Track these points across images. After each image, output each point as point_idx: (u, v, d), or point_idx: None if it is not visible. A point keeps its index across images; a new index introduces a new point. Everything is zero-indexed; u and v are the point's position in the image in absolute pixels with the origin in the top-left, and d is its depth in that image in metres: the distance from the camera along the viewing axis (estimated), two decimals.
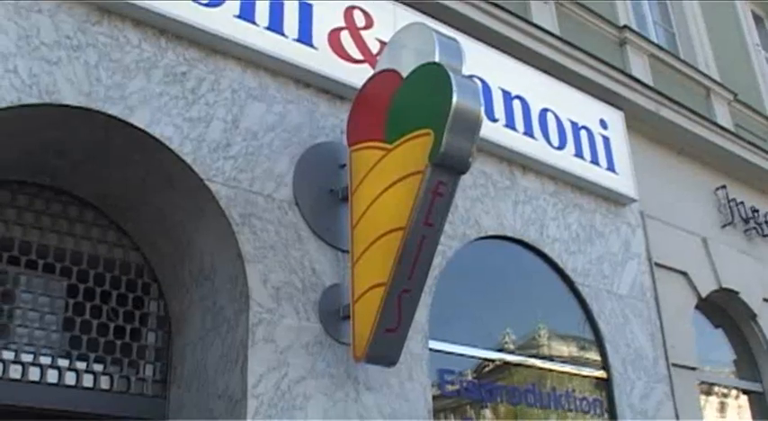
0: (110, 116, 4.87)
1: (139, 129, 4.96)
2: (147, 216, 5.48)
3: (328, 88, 5.92)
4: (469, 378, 6.59)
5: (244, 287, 5.01)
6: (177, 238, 5.47)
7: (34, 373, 5.00)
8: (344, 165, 5.57)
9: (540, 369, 7.02)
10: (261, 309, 4.97)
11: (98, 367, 5.22)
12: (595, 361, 7.30)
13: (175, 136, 5.06)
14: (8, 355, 4.94)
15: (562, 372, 7.10)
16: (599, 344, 7.32)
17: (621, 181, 8.04)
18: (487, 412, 6.75)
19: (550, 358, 7.11)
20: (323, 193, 5.54)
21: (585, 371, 7.21)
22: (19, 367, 4.96)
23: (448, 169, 4.72)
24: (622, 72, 8.68)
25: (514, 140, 7.08)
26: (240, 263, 5.04)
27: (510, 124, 7.08)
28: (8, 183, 5.26)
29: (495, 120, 6.91)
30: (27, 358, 5.00)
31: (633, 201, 8.15)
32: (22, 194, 5.31)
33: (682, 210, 9.07)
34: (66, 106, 4.75)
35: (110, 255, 5.49)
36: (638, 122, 8.77)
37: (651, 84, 9.24)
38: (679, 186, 9.27)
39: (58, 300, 5.32)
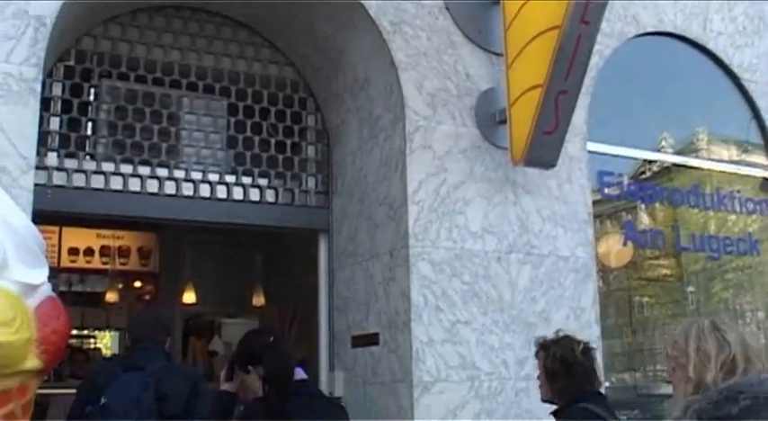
0: None
1: None
2: (297, 31, 5.49)
3: None
4: (629, 180, 6.48)
5: (399, 95, 5.01)
6: (329, 51, 5.47)
7: (204, 190, 5.24)
8: None
9: (703, 170, 6.83)
10: (417, 116, 4.98)
11: (263, 181, 5.42)
12: (761, 163, 7.02)
13: None
14: (179, 174, 5.19)
15: (727, 173, 6.88)
16: (767, 142, 7.00)
17: None
18: (648, 215, 6.67)
19: (712, 159, 6.88)
20: None
21: (752, 172, 6.96)
22: (190, 185, 5.20)
23: None
24: None
25: None
26: (394, 71, 5.03)
27: None
28: (162, 8, 5.35)
29: None
30: (197, 176, 5.24)
31: None
32: (177, 18, 5.41)
33: None
34: None
35: (265, 73, 5.58)
36: None
37: None
38: None
39: (220, 119, 5.50)
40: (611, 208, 6.67)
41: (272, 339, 3.87)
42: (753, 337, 2.58)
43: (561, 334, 3.79)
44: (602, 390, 3.63)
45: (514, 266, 5.10)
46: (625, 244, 6.37)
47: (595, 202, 5.82)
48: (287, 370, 3.68)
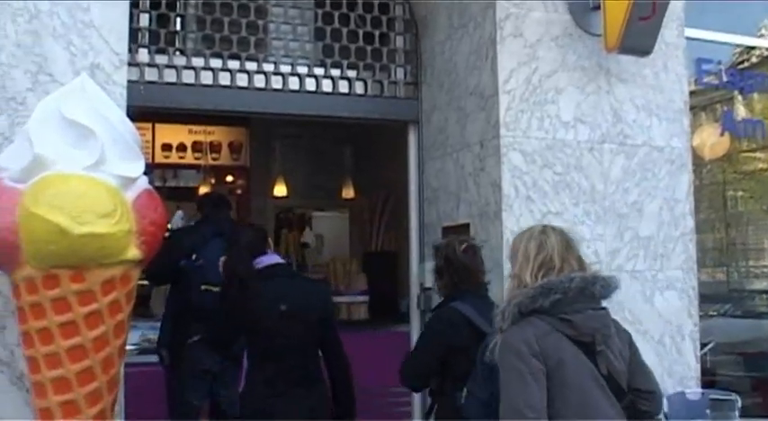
0: None
1: None
2: None
3: None
4: (728, 68, 6.24)
5: None
6: None
7: (293, 83, 5.25)
8: None
9: None
10: (507, 3, 4.84)
11: (352, 73, 5.39)
12: None
13: None
14: (268, 67, 5.20)
15: None
16: None
17: None
18: (746, 105, 6.47)
19: None
20: None
21: None
22: (279, 78, 5.21)
23: None
24: None
25: None
26: None
27: None
28: None
29: None
30: (285, 69, 5.24)
31: None
32: None
33: None
34: None
35: None
36: None
37: None
38: None
39: (307, 11, 5.45)
40: (707, 99, 6.48)
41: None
42: (579, 242, 3.06)
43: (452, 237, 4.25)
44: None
45: (607, 156, 5.01)
46: (722, 134, 6.18)
47: (691, 93, 5.62)
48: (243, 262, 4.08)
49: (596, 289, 2.85)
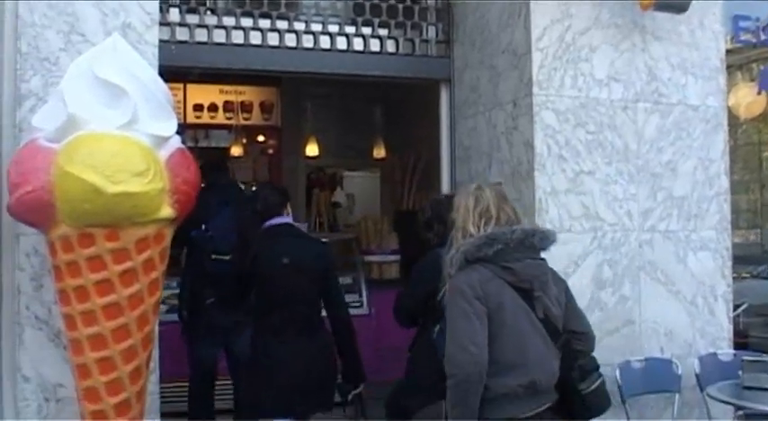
0: None
1: None
2: None
3: None
4: (767, 25, 6.12)
5: None
6: None
7: (324, 42, 5.23)
8: None
9: None
10: None
11: (383, 32, 5.37)
12: None
13: None
14: (299, 26, 5.18)
15: None
16: None
17: None
18: None
19: None
20: None
21: None
22: (310, 37, 5.19)
23: None
24: None
25: None
26: None
27: None
28: None
29: None
30: (316, 28, 5.22)
31: None
32: None
33: None
34: None
35: None
36: None
37: None
38: None
39: None
40: (743, 57, 6.38)
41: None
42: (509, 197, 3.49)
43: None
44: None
45: (641, 115, 4.95)
46: (758, 94, 6.08)
47: (727, 51, 5.52)
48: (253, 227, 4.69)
49: (535, 240, 3.22)
